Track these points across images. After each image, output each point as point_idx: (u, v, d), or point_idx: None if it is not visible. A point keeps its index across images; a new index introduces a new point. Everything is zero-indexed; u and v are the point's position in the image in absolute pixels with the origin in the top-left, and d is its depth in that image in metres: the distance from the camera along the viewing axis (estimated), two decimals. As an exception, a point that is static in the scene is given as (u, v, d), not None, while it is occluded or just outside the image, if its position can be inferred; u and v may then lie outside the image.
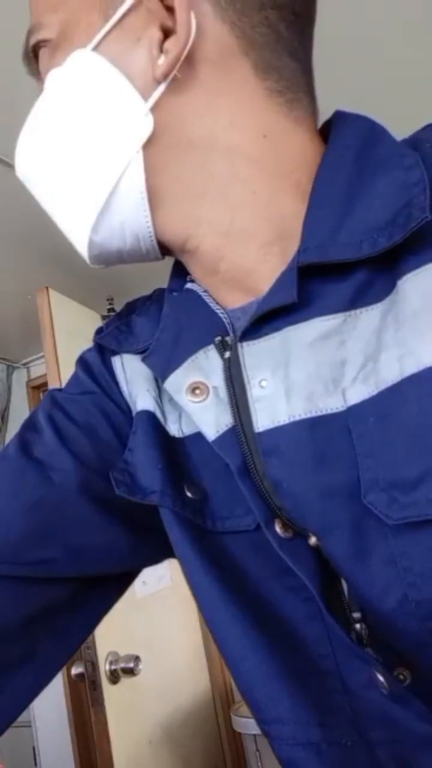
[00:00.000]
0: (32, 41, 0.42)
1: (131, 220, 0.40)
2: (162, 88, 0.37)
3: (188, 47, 0.36)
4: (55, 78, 0.39)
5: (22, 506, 0.44)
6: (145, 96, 0.37)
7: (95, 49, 0.38)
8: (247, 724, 1.91)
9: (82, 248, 0.42)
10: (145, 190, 0.39)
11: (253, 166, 0.39)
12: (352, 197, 0.36)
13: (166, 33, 0.37)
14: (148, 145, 0.38)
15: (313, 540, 0.37)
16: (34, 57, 0.43)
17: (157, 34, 0.37)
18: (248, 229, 0.40)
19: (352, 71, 1.31)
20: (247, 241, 0.40)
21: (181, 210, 0.40)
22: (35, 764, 2.39)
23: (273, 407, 0.36)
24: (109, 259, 0.44)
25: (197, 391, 0.41)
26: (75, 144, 0.39)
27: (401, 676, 0.35)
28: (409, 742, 0.34)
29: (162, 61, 0.37)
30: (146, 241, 0.41)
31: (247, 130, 0.39)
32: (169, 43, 0.36)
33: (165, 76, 0.37)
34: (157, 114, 0.38)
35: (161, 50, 0.37)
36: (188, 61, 0.37)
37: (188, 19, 0.36)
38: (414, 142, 0.38)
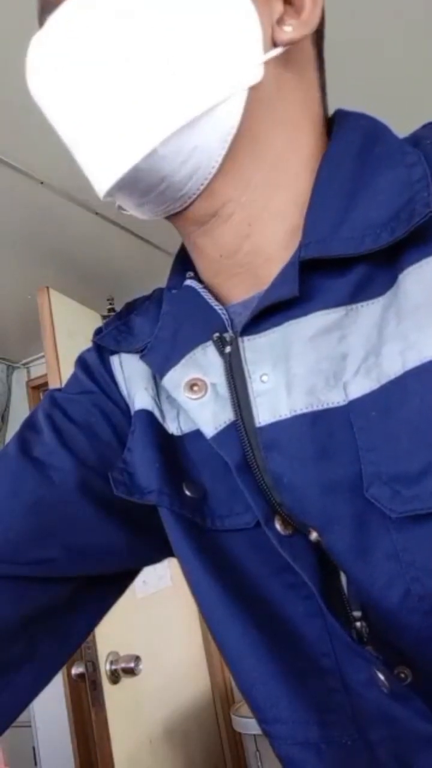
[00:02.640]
0: None
1: (205, 148, 0.38)
2: (278, 51, 0.38)
3: (308, 35, 0.39)
4: None
5: (21, 506, 0.44)
6: (264, 48, 0.38)
7: None
8: (247, 724, 1.91)
9: (130, 160, 0.37)
10: (237, 127, 0.38)
11: (302, 152, 0.40)
12: (354, 193, 0.36)
13: (284, 11, 0.39)
14: (249, 91, 0.38)
15: (314, 535, 0.37)
16: None
17: (280, 8, 0.39)
18: (282, 212, 0.40)
19: (352, 71, 1.31)
20: (277, 223, 0.40)
21: (241, 168, 0.40)
22: (35, 764, 2.39)
23: (274, 401, 0.37)
24: (139, 186, 0.39)
25: (195, 388, 0.41)
26: (184, 43, 0.36)
27: (402, 675, 0.35)
28: (410, 741, 0.34)
29: (289, 30, 0.39)
30: (199, 180, 0.39)
31: (309, 120, 0.41)
32: (295, 22, 0.39)
33: (286, 45, 0.38)
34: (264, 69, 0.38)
35: (278, 22, 0.39)
36: (292, 48, 0.39)
37: (319, 14, 0.39)
38: (415, 139, 0.39)
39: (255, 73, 0.37)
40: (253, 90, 0.38)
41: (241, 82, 0.37)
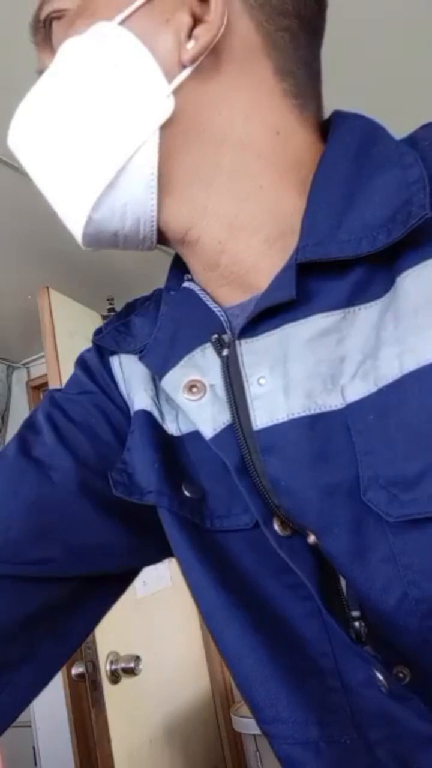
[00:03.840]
0: (47, 10, 0.42)
1: (136, 201, 0.39)
2: (187, 72, 0.37)
3: (218, 37, 0.37)
4: (74, 46, 0.39)
5: (21, 505, 0.44)
6: (169, 78, 0.37)
7: (121, 23, 0.38)
8: (247, 724, 1.91)
9: (78, 226, 0.41)
10: (157, 172, 0.38)
11: (263, 162, 0.39)
12: (351, 195, 0.36)
13: (195, 20, 0.38)
14: (164, 128, 0.38)
15: (312, 538, 0.37)
16: (43, 27, 0.43)
17: (187, 20, 0.37)
18: (252, 223, 0.40)
19: (351, 71, 1.31)
20: (249, 235, 0.40)
21: (188, 198, 0.40)
22: (35, 764, 2.39)
23: (271, 405, 0.36)
24: (103, 241, 0.43)
25: (194, 389, 0.41)
26: (88, 116, 0.38)
27: (400, 675, 0.35)
28: (409, 740, 0.34)
29: (191, 45, 0.37)
30: (147, 225, 0.41)
31: (261, 126, 0.39)
32: (200, 30, 0.37)
33: (192, 61, 0.37)
34: (177, 98, 0.37)
35: (189, 36, 0.37)
36: (214, 52, 0.38)
37: (223, 10, 0.37)
38: (412, 140, 0.38)
39: (163, 109, 0.37)
40: (169, 124, 0.37)
41: (148, 125, 0.37)
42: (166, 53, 0.37)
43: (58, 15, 0.41)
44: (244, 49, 0.39)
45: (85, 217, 0.40)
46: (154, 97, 0.37)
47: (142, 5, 0.38)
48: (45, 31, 0.43)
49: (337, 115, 0.42)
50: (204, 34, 0.37)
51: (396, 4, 1.18)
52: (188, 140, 0.39)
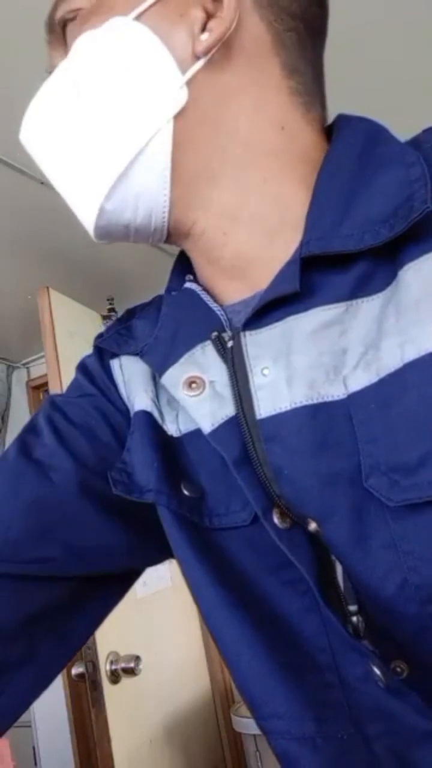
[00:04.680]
0: (63, 10, 0.43)
1: (148, 191, 0.40)
2: (200, 64, 0.38)
3: (231, 30, 0.38)
4: (89, 38, 0.40)
5: (21, 505, 0.44)
6: (182, 69, 0.38)
7: (137, 19, 0.39)
8: (247, 724, 1.91)
9: (90, 217, 0.41)
10: (170, 162, 0.39)
11: (269, 157, 0.40)
12: (354, 192, 0.37)
13: (208, 16, 0.39)
14: (176, 119, 0.39)
15: (312, 526, 0.37)
16: (59, 26, 0.44)
17: (200, 15, 0.39)
18: (255, 216, 0.41)
19: (351, 72, 1.31)
20: (252, 227, 0.41)
21: (196, 189, 0.41)
22: (35, 764, 2.39)
23: (275, 394, 0.37)
24: (114, 234, 0.43)
25: (193, 385, 0.41)
26: (102, 106, 0.39)
27: (398, 669, 0.35)
28: (406, 735, 0.34)
29: (205, 37, 0.38)
30: (158, 215, 0.41)
31: (268, 121, 0.40)
32: (214, 23, 0.39)
33: (206, 53, 0.38)
34: (189, 90, 0.39)
35: (203, 30, 0.39)
36: (225, 46, 0.39)
37: (236, 5, 0.38)
38: (415, 143, 0.39)
39: (177, 100, 0.38)
40: (181, 115, 0.38)
41: (162, 115, 0.38)
42: (181, 45, 0.38)
43: (73, 15, 0.42)
44: (253, 46, 0.40)
45: (97, 208, 0.40)
46: (168, 87, 0.38)
47: (156, 2, 0.39)
48: (60, 31, 0.44)
49: (342, 117, 0.43)
50: (217, 26, 0.38)
51: (396, 6, 1.18)
52: (199, 132, 0.39)
